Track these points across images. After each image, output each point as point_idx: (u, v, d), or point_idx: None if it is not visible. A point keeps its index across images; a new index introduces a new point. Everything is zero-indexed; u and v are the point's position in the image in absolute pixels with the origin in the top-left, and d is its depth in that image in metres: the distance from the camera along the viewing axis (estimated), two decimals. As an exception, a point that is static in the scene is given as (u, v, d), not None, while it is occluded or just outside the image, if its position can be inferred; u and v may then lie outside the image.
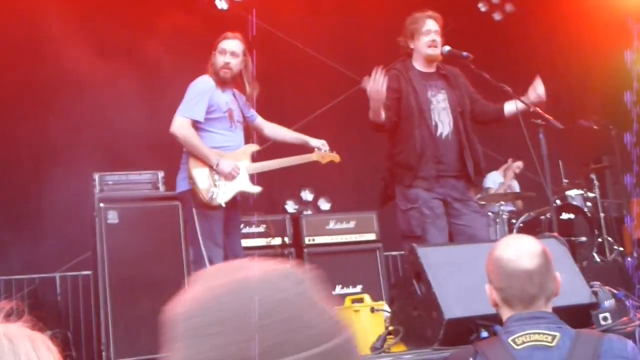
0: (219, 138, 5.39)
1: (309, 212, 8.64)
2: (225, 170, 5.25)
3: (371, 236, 7.56)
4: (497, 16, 11.12)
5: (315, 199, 9.07)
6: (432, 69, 5.47)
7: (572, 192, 8.87)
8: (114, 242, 6.20)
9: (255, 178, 5.46)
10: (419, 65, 5.44)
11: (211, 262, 5.10)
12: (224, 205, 5.25)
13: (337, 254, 7.32)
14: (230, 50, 5.40)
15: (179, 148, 5.41)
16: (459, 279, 4.04)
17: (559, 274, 2.68)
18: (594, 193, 9.00)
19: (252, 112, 5.66)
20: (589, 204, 8.85)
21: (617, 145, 8.91)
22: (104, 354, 5.99)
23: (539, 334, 2.51)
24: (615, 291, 4.32)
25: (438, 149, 5.26)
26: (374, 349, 4.30)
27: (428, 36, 5.39)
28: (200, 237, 5.19)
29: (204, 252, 5.15)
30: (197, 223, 5.22)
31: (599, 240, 8.61)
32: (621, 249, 8.88)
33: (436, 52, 5.40)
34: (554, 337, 2.50)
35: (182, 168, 5.36)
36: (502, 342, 2.56)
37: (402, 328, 4.30)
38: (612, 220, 9.21)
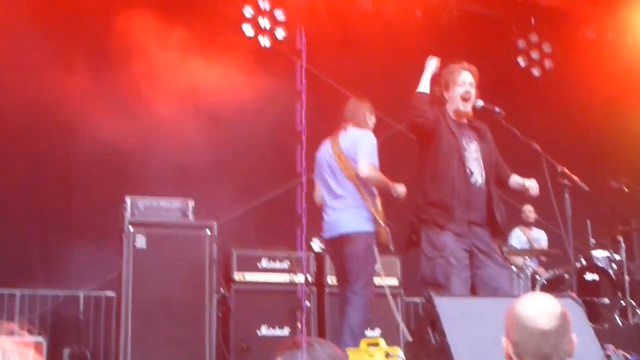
0: None
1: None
2: (402, 192, 5.99)
3: (393, 281, 7.54)
4: (535, 72, 11.12)
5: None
6: (464, 121, 5.50)
7: (598, 253, 8.81)
8: (140, 266, 6.31)
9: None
10: (451, 115, 5.46)
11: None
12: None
13: (358, 295, 7.29)
14: None
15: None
16: (474, 332, 4.03)
17: (575, 337, 2.70)
18: (620, 255, 8.94)
19: None
20: (614, 265, 8.79)
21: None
22: (121, 375, 6.06)
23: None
24: (628, 356, 4.30)
25: (471, 195, 5.24)
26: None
27: (462, 87, 5.36)
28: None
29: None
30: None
31: (622, 303, 8.54)
32: (644, 313, 8.78)
33: (467, 108, 5.40)
34: (562, 397, 2.52)
35: (363, 211, 6.02)
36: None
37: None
38: (637, 284, 9.12)
